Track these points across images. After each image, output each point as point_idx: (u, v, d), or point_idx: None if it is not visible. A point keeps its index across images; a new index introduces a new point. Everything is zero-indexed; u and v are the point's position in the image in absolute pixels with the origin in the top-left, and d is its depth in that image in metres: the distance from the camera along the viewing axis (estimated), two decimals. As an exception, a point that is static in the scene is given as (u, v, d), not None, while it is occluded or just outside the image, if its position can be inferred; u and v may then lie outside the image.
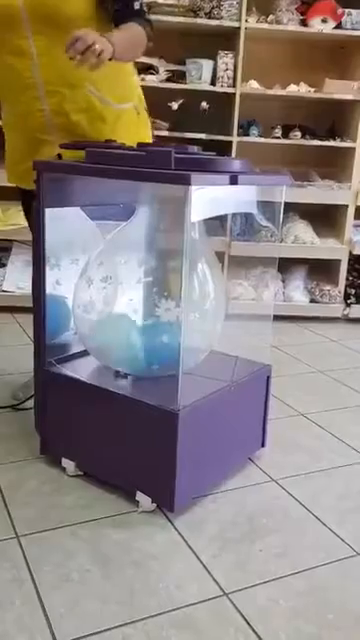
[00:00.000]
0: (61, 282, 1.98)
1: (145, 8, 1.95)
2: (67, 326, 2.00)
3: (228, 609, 1.37)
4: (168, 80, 3.53)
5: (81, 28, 1.66)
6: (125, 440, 1.70)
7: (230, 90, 3.53)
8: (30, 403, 2.03)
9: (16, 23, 1.81)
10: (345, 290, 3.82)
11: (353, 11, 3.54)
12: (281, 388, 2.52)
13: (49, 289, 1.83)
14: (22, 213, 2.37)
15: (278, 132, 3.68)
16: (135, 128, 2.06)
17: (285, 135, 3.69)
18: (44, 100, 1.90)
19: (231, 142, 3.57)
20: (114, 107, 1.97)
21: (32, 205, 1.78)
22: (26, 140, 2.00)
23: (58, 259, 1.97)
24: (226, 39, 3.60)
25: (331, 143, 3.69)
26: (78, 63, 1.64)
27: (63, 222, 1.88)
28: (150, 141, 2.13)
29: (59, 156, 1.93)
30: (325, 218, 3.88)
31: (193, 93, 3.53)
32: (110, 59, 1.69)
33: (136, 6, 1.89)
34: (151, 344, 1.78)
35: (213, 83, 3.54)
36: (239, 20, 3.45)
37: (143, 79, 3.47)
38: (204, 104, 3.57)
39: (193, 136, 3.48)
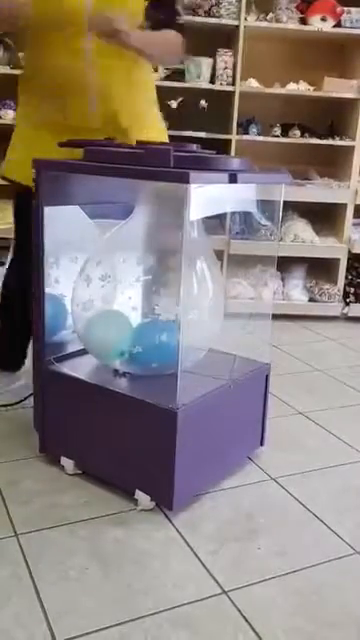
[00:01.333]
0: (60, 280, 1.98)
1: (183, 23, 2.03)
2: (64, 325, 1.99)
3: (227, 607, 1.37)
4: (167, 78, 3.52)
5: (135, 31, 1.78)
6: (124, 438, 1.70)
7: (229, 88, 3.53)
8: (29, 402, 2.03)
9: (79, 23, 1.83)
10: (344, 289, 3.82)
11: (352, 9, 3.54)
12: (280, 387, 2.52)
13: (47, 288, 1.83)
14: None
15: (277, 130, 3.68)
16: (163, 133, 2.14)
17: (284, 133, 3.69)
18: (95, 103, 1.92)
19: (230, 140, 3.57)
20: (157, 114, 2.07)
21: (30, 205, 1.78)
22: (62, 138, 1.94)
23: (57, 257, 1.97)
24: (225, 37, 3.60)
25: (330, 142, 3.69)
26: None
27: (62, 220, 1.88)
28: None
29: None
30: (324, 217, 3.88)
31: (192, 91, 3.53)
32: (137, 51, 1.81)
33: (179, 20, 2.00)
34: (146, 340, 1.78)
35: (212, 81, 3.54)
36: (238, 18, 3.44)
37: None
38: (203, 102, 3.57)
39: (192, 134, 3.48)
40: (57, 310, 1.97)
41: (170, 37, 1.96)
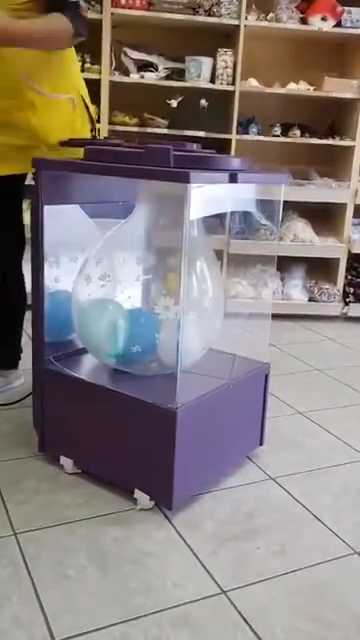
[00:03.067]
0: (60, 279, 1.98)
1: (83, 3, 1.91)
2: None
3: (226, 607, 1.37)
4: (167, 77, 3.53)
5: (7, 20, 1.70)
6: (123, 438, 1.70)
7: (229, 88, 3.53)
8: (29, 401, 2.03)
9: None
10: (344, 289, 3.82)
11: (352, 9, 3.54)
12: (279, 386, 2.52)
13: (52, 287, 1.84)
14: None
15: (277, 130, 3.68)
16: (70, 121, 2.02)
17: (284, 133, 3.69)
18: None
19: (230, 140, 3.57)
20: (48, 96, 1.95)
21: None
22: None
23: (57, 257, 1.97)
24: (226, 37, 3.60)
25: (330, 141, 3.70)
26: None
27: (62, 220, 1.88)
28: (87, 135, 2.09)
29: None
30: (324, 217, 3.88)
31: (192, 91, 3.53)
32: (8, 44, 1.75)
33: None
34: (138, 335, 1.78)
35: (212, 81, 3.54)
36: (239, 18, 3.45)
37: (142, 76, 3.48)
38: (203, 102, 3.57)
39: (192, 134, 3.48)
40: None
41: (54, 23, 1.83)
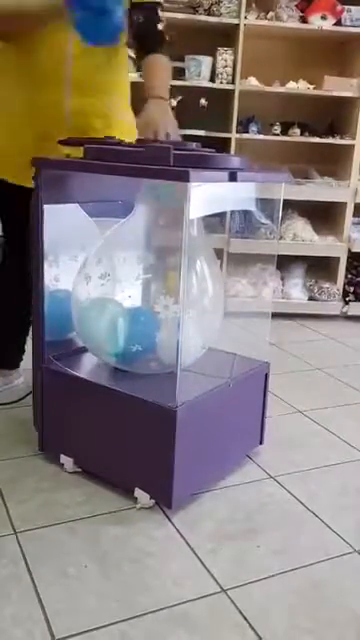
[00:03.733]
0: (60, 279, 1.98)
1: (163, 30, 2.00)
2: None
3: (226, 606, 1.37)
4: (167, 77, 3.52)
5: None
6: (123, 437, 1.70)
7: (229, 87, 3.53)
8: (29, 400, 2.03)
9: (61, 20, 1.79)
10: (344, 288, 3.82)
11: (352, 8, 3.54)
12: (279, 385, 2.52)
13: (52, 286, 1.84)
14: None
15: (277, 129, 3.67)
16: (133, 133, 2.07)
17: (284, 132, 3.69)
18: (69, 99, 1.91)
19: (230, 139, 3.57)
20: (125, 119, 2.05)
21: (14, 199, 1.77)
22: (34, 133, 1.94)
23: (57, 256, 1.97)
24: (225, 36, 3.60)
25: (330, 140, 3.69)
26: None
27: (62, 219, 1.88)
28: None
29: (67, 156, 1.91)
30: (324, 216, 3.88)
31: (192, 90, 3.53)
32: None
33: (159, 26, 1.97)
34: (136, 332, 1.78)
35: (212, 80, 3.54)
36: (238, 17, 3.45)
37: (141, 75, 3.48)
38: (203, 101, 3.56)
39: (192, 133, 3.48)
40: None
41: (166, 67, 2.01)
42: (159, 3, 2.00)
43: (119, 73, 2.03)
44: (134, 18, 1.93)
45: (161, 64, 1.99)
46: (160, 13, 1.99)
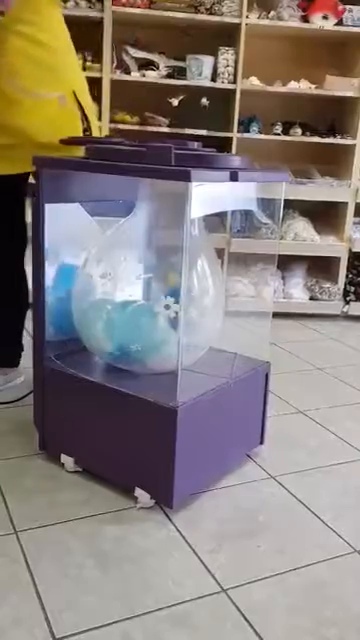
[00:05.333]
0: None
1: None
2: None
3: (226, 605, 1.37)
4: (168, 76, 3.52)
5: None
6: (124, 436, 1.70)
7: (231, 86, 3.52)
8: (29, 399, 2.03)
9: None
10: (344, 287, 3.82)
11: (354, 7, 3.54)
12: (280, 385, 2.52)
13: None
14: None
15: (278, 129, 3.67)
16: (57, 119, 2.01)
17: (285, 132, 3.69)
18: None
19: (231, 138, 3.57)
20: (33, 95, 1.95)
21: None
22: None
23: (58, 255, 1.97)
24: (227, 35, 3.59)
25: (331, 140, 3.69)
26: None
27: (63, 218, 1.87)
28: (79, 135, 2.05)
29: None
30: (325, 215, 3.87)
31: (193, 89, 3.53)
32: None
33: None
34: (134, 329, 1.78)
35: (214, 79, 3.54)
36: (240, 16, 3.44)
37: (144, 75, 3.48)
38: (204, 100, 3.56)
39: (193, 132, 3.48)
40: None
41: None
42: None
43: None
44: None
45: None
46: None
